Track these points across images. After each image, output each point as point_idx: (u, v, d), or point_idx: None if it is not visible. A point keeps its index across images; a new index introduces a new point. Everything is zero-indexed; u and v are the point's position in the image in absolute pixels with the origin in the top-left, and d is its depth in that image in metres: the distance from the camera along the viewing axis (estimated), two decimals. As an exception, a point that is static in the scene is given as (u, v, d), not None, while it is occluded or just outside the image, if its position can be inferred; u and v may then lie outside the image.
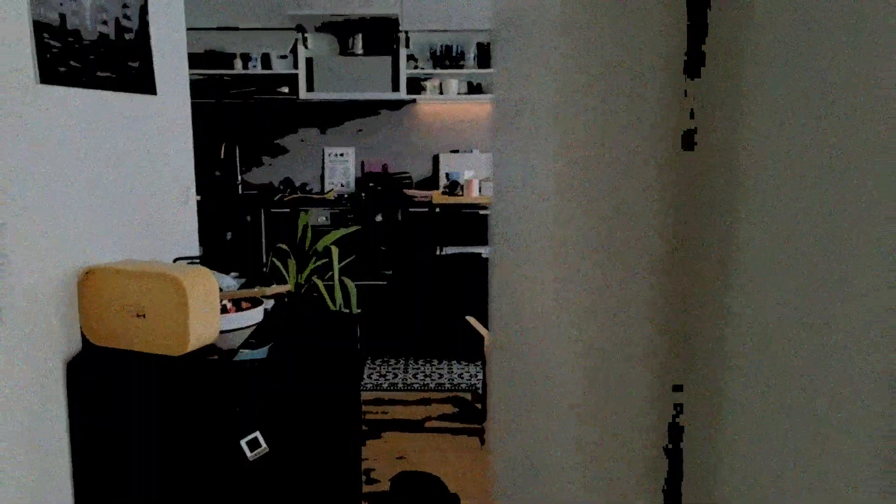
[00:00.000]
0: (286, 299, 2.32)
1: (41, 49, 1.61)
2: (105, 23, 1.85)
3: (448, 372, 4.21)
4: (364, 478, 2.85)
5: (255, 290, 2.11)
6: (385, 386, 3.99)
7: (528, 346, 0.67)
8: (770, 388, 0.45)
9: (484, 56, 4.75)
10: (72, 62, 1.72)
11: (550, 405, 0.62)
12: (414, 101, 4.85)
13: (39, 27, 1.60)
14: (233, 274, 2.43)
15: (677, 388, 0.51)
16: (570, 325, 0.57)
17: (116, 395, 1.78)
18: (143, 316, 1.73)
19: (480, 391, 3.78)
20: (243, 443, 1.74)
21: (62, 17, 1.68)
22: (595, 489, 0.57)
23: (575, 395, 0.58)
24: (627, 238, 0.52)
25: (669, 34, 0.48)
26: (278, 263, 3.61)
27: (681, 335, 0.50)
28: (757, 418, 0.46)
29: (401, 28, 4.61)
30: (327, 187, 4.95)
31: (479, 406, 3.72)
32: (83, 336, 1.81)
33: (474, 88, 4.83)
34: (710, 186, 0.48)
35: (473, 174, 4.78)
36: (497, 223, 0.73)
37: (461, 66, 4.74)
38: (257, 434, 1.77)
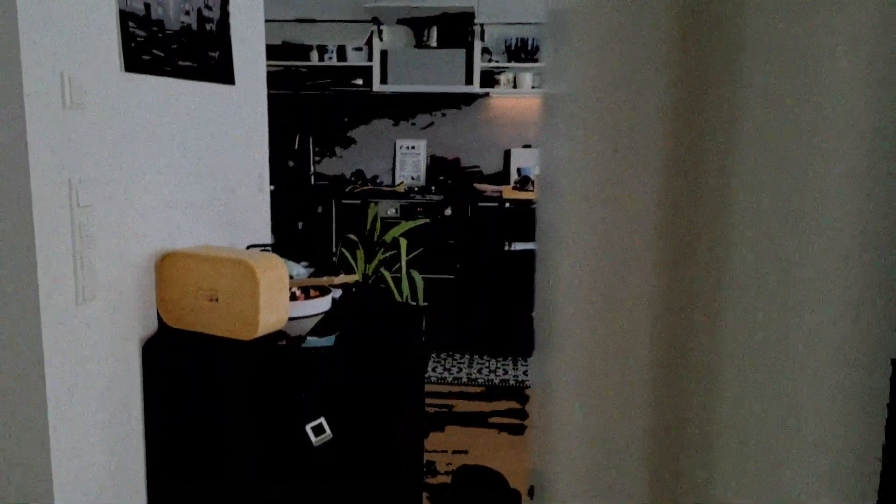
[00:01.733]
0: (354, 289, 2.34)
1: (126, 38, 1.67)
2: (188, 13, 1.90)
3: (513, 368, 4.18)
4: (425, 470, 2.85)
5: (324, 279, 2.13)
6: (449, 380, 3.99)
7: (551, 345, 0.67)
8: (756, 390, 0.46)
9: (559, 50, 4.68)
10: (155, 51, 1.77)
11: (554, 406, 0.62)
12: (487, 94, 4.82)
13: (125, 16, 1.66)
14: (303, 263, 2.46)
15: (673, 386, 0.50)
16: (579, 319, 0.58)
17: (188, 376, 1.83)
18: (216, 300, 1.77)
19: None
20: (308, 428, 1.76)
21: (147, 6, 1.73)
22: (589, 491, 0.58)
23: (578, 392, 0.58)
24: (630, 239, 0.53)
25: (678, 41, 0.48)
26: (347, 254, 3.65)
27: (678, 337, 0.50)
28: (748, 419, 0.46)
29: (476, 21, 4.58)
30: (398, 179, 4.98)
31: (543, 404, 3.67)
32: (159, 317, 1.87)
33: (548, 83, 4.77)
34: (714, 188, 0.47)
35: (544, 169, 4.71)
36: (540, 219, 0.73)
37: (536, 60, 4.68)
38: (322, 420, 1.79)
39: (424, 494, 2.64)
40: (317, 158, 5.03)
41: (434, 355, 4.38)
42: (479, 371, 4.13)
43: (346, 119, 5.03)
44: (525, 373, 4.09)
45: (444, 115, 4.97)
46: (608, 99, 0.54)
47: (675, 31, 0.49)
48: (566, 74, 0.62)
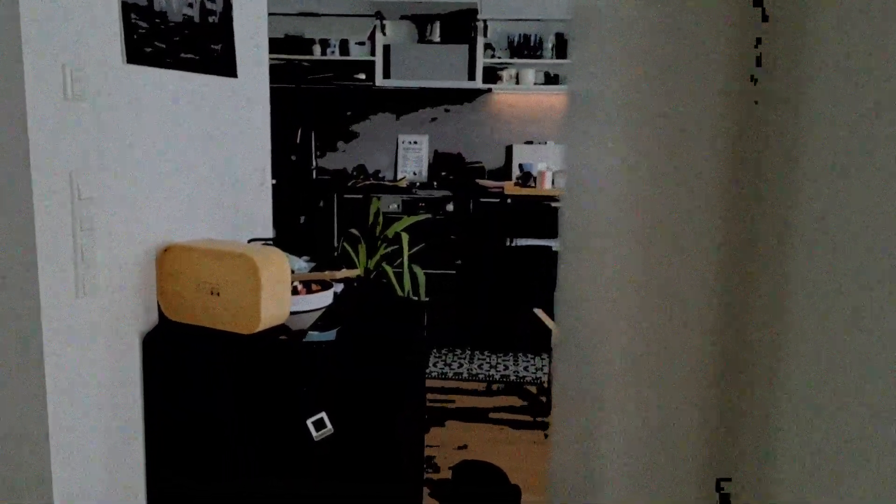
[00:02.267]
0: (355, 284, 2.34)
1: (128, 29, 1.66)
2: (190, 5, 1.89)
3: (514, 364, 4.18)
4: (426, 465, 2.85)
5: (326, 273, 2.13)
6: (450, 375, 3.99)
7: (587, 340, 0.65)
8: (825, 388, 0.43)
9: (562, 46, 4.66)
10: (157, 43, 1.76)
11: (603, 403, 0.61)
12: (490, 90, 4.81)
13: (127, 8, 1.65)
14: (304, 257, 2.46)
15: (730, 389, 0.49)
16: (625, 320, 0.56)
17: (189, 370, 1.83)
18: (218, 294, 1.77)
19: (546, 384, 3.73)
20: (309, 423, 1.76)
21: (150, -2, 1.72)
22: (643, 493, 0.56)
23: (626, 394, 0.57)
24: (686, 238, 0.51)
25: (734, 35, 0.46)
26: (349, 248, 3.65)
27: (737, 339, 0.48)
28: (810, 420, 0.44)
29: (479, 16, 4.57)
30: (400, 175, 4.97)
31: (543, 399, 3.67)
32: (160, 311, 1.87)
33: (551, 79, 4.75)
34: (771, 185, 0.46)
35: (547, 166, 4.71)
36: (566, 216, 0.72)
37: (539, 57, 4.67)
38: (323, 415, 1.78)
39: (425, 490, 2.64)
40: (318, 153, 5.02)
41: (435, 350, 4.38)
42: (480, 367, 4.12)
43: (348, 113, 5.03)
44: (526, 368, 4.09)
45: (446, 110, 4.96)
46: (665, 91, 0.52)
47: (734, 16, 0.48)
48: (608, 68, 0.60)
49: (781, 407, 0.47)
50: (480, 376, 3.98)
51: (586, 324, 0.68)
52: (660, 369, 0.54)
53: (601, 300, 0.62)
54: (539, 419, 3.44)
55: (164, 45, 1.79)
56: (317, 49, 4.75)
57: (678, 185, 0.52)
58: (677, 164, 0.52)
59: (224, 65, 2.10)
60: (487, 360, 4.24)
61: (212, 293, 1.77)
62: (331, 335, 1.88)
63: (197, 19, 1.93)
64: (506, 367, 4.12)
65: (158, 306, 1.86)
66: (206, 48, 1.99)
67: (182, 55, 1.87)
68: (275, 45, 4.52)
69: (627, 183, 0.56)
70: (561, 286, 0.73)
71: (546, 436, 3.25)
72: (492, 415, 3.48)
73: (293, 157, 4.83)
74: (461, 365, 4.14)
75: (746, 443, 0.49)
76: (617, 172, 0.58)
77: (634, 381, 0.56)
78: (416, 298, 2.91)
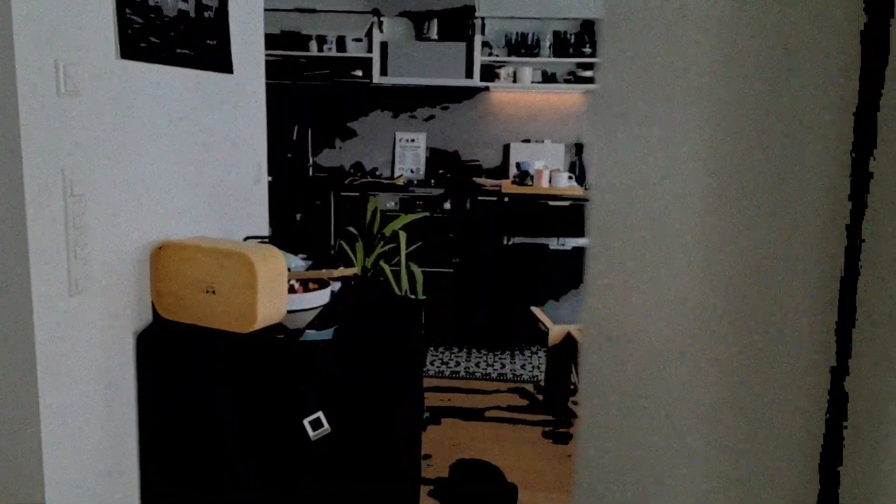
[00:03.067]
0: (353, 282, 2.32)
1: (123, 24, 1.64)
2: (185, 0, 1.87)
3: (510, 362, 4.16)
4: (423, 463, 2.84)
5: (323, 271, 2.11)
6: (447, 373, 3.98)
7: (640, 344, 0.62)
8: None
9: (560, 45, 4.64)
10: (152, 38, 1.74)
11: (670, 413, 0.58)
12: (487, 88, 4.79)
13: (122, 2, 1.63)
14: (301, 255, 2.44)
15: (840, 407, 0.46)
16: (710, 328, 0.54)
17: (184, 368, 1.81)
18: (213, 292, 1.75)
19: (543, 383, 3.72)
20: (306, 422, 1.74)
21: (144, -7, 1.70)
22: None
23: (706, 406, 0.54)
24: (794, 242, 0.48)
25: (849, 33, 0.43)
26: (346, 246, 3.63)
27: (839, 346, 0.46)
28: None
29: (477, 14, 4.55)
30: (397, 172, 4.95)
31: (540, 397, 3.66)
32: (154, 309, 1.85)
33: (549, 77, 4.74)
34: (884, 190, 0.43)
35: (544, 164, 4.69)
36: (599, 213, 0.69)
37: (536, 55, 4.65)
38: (320, 414, 1.77)
39: (422, 489, 2.63)
40: (315, 150, 5.00)
41: (432, 349, 4.36)
42: (478, 365, 4.11)
43: (345, 111, 5.00)
44: (523, 366, 4.08)
45: (444, 108, 4.95)
46: (771, 91, 0.49)
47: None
48: (675, 63, 0.58)
49: (889, 413, 0.44)
50: (478, 374, 3.97)
51: (635, 330, 0.64)
52: (760, 375, 0.51)
53: (677, 302, 0.60)
54: (536, 417, 3.43)
55: (158, 41, 1.77)
56: (313, 45, 4.72)
57: (782, 186, 0.49)
58: (784, 165, 0.49)
59: (219, 60, 2.08)
60: (484, 358, 4.22)
61: (207, 291, 1.75)
62: (328, 334, 1.86)
63: (192, 14, 1.91)
64: (503, 366, 4.10)
65: (153, 305, 1.85)
66: (202, 44, 1.97)
67: (177, 51, 1.85)
68: (271, 41, 4.50)
69: (714, 183, 0.54)
70: (590, 287, 0.70)
71: (543, 434, 3.24)
72: (489, 413, 3.46)
73: (289, 155, 4.81)
74: (458, 363, 4.13)
75: (850, 448, 0.47)
76: (692, 176, 0.56)
77: (732, 386, 0.54)
78: (413, 297, 2.89)
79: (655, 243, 0.60)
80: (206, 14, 1.98)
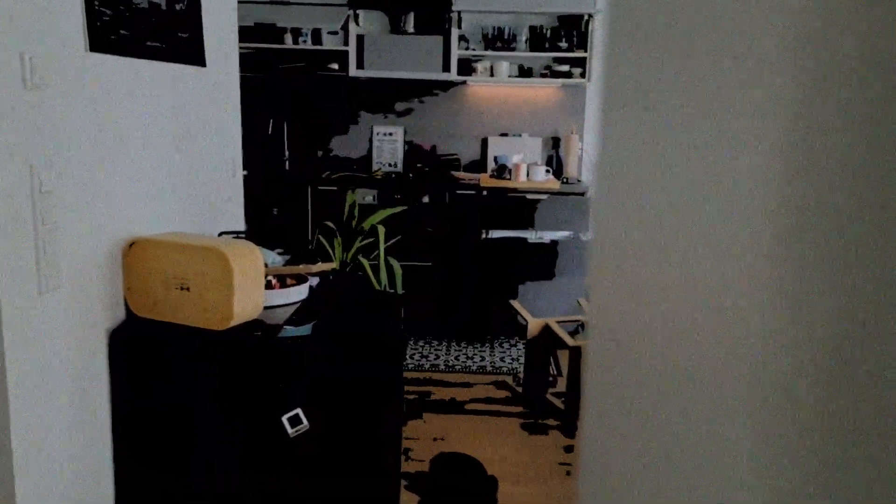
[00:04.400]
0: (331, 277, 2.30)
1: (91, 16, 1.60)
2: (156, -8, 1.84)
3: (490, 355, 4.17)
4: (403, 457, 2.83)
5: (301, 267, 2.09)
6: (427, 367, 3.97)
7: (669, 347, 0.61)
8: None
9: (536, 39, 4.64)
10: (122, 31, 1.71)
11: (675, 418, 0.57)
12: (464, 82, 4.77)
13: (90, -6, 1.59)
14: (278, 250, 2.41)
15: (850, 396, 0.44)
16: (718, 330, 0.52)
17: (158, 367, 1.78)
18: (188, 289, 1.72)
19: (521, 375, 3.73)
20: (285, 419, 1.73)
21: (113, -16, 1.67)
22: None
23: (714, 411, 0.52)
24: (804, 240, 0.47)
25: None
26: (324, 241, 3.60)
27: (865, 351, 0.44)
28: None
29: (453, 8, 4.53)
30: (375, 166, 4.92)
31: (520, 389, 3.67)
32: (126, 307, 1.82)
33: (525, 72, 4.73)
34: None
35: (522, 158, 4.69)
36: (604, 208, 0.67)
37: (513, 49, 4.65)
38: (299, 411, 1.75)
39: (402, 483, 2.62)
40: (291, 144, 4.95)
41: (412, 342, 4.36)
42: (457, 358, 4.11)
43: (321, 104, 4.96)
44: (502, 359, 4.08)
45: (421, 101, 4.92)
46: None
47: None
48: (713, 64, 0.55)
49: None
50: (457, 367, 3.97)
51: (663, 332, 0.62)
52: (781, 374, 0.50)
53: (684, 305, 0.58)
54: (516, 409, 3.43)
55: (128, 33, 1.73)
56: (288, 38, 4.67)
57: (794, 183, 0.48)
58: (800, 162, 0.47)
59: (192, 53, 2.05)
60: (464, 351, 4.22)
61: (181, 288, 1.73)
62: (306, 330, 1.84)
63: (164, 6, 1.87)
64: (482, 358, 4.11)
65: (125, 302, 1.81)
66: (174, 36, 1.94)
67: (148, 43, 1.82)
68: (245, 33, 4.44)
69: (725, 181, 0.52)
70: (596, 284, 0.68)
71: (522, 425, 3.25)
72: (469, 406, 3.47)
73: (265, 149, 4.76)
74: (438, 356, 4.12)
75: (860, 452, 0.46)
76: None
77: (740, 389, 0.52)
78: (392, 291, 2.88)
79: (660, 243, 0.59)
80: (177, 6, 1.94)
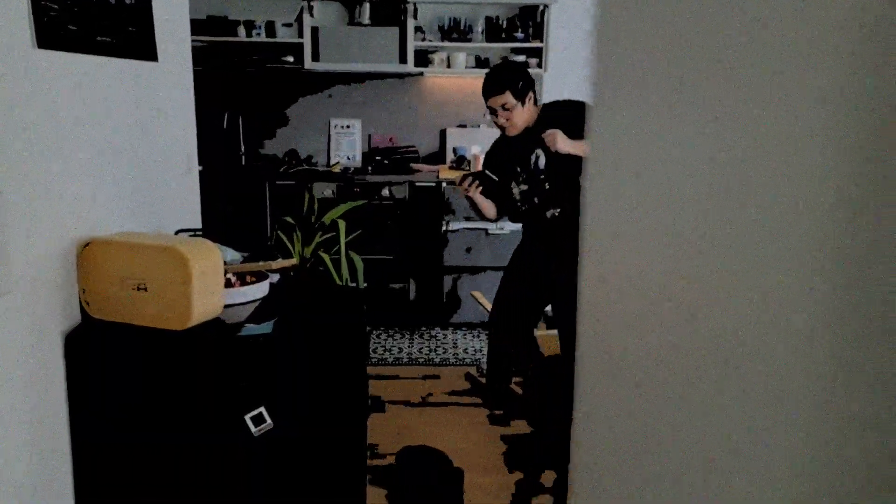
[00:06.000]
0: (292, 273, 2.28)
1: (38, 12, 1.55)
2: (104, -15, 1.79)
3: (452, 346, 4.19)
4: (369, 453, 2.83)
5: (260, 263, 2.07)
6: (390, 360, 3.97)
7: (638, 344, 0.60)
8: None
9: (492, 31, 4.65)
10: (70, 26, 1.66)
11: (668, 414, 0.57)
12: (421, 73, 4.76)
13: (35, -12, 1.54)
14: (237, 247, 2.38)
15: (843, 396, 0.45)
16: (708, 326, 0.52)
17: (117, 369, 1.75)
18: (145, 289, 1.69)
19: (485, 365, 3.75)
20: (248, 418, 1.71)
21: (59, -22, 1.62)
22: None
23: (708, 409, 0.53)
24: (797, 238, 0.47)
25: None
26: (283, 237, 3.56)
27: (855, 347, 0.45)
28: None
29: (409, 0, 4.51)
30: (333, 160, 4.88)
31: (482, 380, 3.69)
32: (82, 309, 1.78)
33: (482, 62, 4.74)
34: None
35: (481, 149, 4.71)
36: (601, 202, 0.66)
37: (469, 40, 4.65)
38: (262, 409, 1.74)
39: (368, 478, 2.62)
40: (247, 138, 4.88)
41: (375, 336, 4.35)
42: (420, 350, 4.12)
43: (277, 98, 4.90)
44: (465, 350, 4.10)
45: (378, 94, 4.90)
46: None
47: None
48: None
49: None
50: (420, 360, 3.98)
51: (669, 333, 0.62)
52: (768, 373, 0.50)
53: (674, 302, 0.58)
54: (479, 400, 3.45)
55: (77, 28, 1.69)
56: (242, 31, 4.60)
57: (788, 181, 0.48)
58: (790, 160, 0.47)
59: (142, 48, 2.00)
60: (427, 343, 4.23)
61: (138, 289, 1.69)
62: (267, 328, 1.83)
63: (112, 0, 1.83)
64: (444, 350, 4.12)
65: (81, 304, 1.77)
66: (123, 31, 1.89)
67: (97, 38, 1.77)
68: (197, 26, 4.35)
69: (715, 177, 0.52)
70: (588, 283, 0.67)
71: (487, 416, 3.27)
72: (433, 398, 3.48)
73: (220, 144, 4.69)
74: (401, 350, 4.13)
75: (862, 455, 0.46)
76: (699, 165, 0.53)
77: (733, 386, 0.52)
78: (354, 285, 2.87)
79: (653, 239, 0.59)
80: (127, 0, 1.90)
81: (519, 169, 2.98)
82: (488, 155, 3.18)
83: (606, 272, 0.68)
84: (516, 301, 3.11)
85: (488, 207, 3.03)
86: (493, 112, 2.89)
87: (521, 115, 2.86)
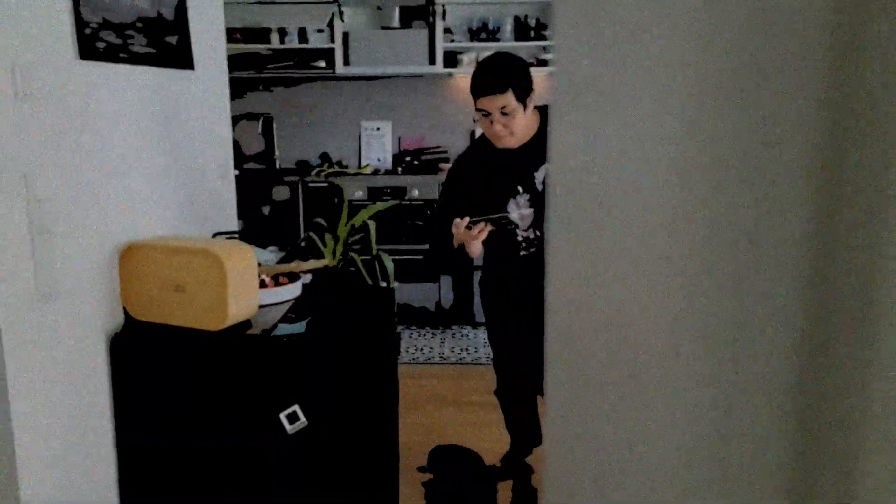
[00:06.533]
0: (324, 274, 2.33)
1: (80, 25, 1.62)
2: (142, -2, 1.85)
3: (484, 345, 4.20)
4: (401, 451, 2.86)
5: (293, 264, 2.11)
6: (421, 359, 4.00)
7: (623, 342, 0.62)
8: None
9: (521, 30, 4.66)
10: (110, 38, 1.73)
11: (642, 410, 0.58)
12: (450, 74, 4.79)
13: (78, 3, 1.61)
14: (270, 248, 2.44)
15: (811, 393, 0.46)
16: (689, 327, 0.53)
17: (157, 369, 1.81)
18: (183, 290, 1.75)
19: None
20: (282, 416, 1.76)
21: (100, -8, 1.68)
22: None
23: (683, 405, 0.54)
24: (767, 237, 0.48)
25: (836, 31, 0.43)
26: (316, 238, 3.62)
27: (823, 346, 0.46)
28: None
29: (437, 1, 4.54)
30: (364, 162, 4.94)
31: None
32: (125, 311, 1.84)
33: (512, 61, 4.75)
34: (862, 187, 0.44)
35: (510, 148, 4.71)
36: (562, 207, 0.67)
37: (497, 40, 4.67)
38: (296, 408, 1.78)
39: (400, 477, 2.66)
40: (280, 142, 4.96)
41: (406, 336, 4.39)
42: (452, 349, 4.14)
43: (309, 102, 4.97)
44: (497, 351, 4.12)
45: (408, 95, 4.94)
46: (748, 84, 0.47)
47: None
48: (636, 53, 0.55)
49: (869, 412, 0.44)
50: (452, 359, 4.00)
51: (618, 327, 0.63)
52: (734, 370, 0.51)
53: (646, 310, 0.58)
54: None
55: (117, 41, 1.75)
56: (275, 38, 4.68)
57: (757, 177, 0.48)
58: (761, 158, 0.48)
59: (180, 57, 2.07)
60: (459, 342, 4.26)
61: (176, 290, 1.75)
62: (301, 327, 1.87)
63: (151, 12, 1.89)
64: (476, 350, 4.14)
65: (123, 306, 1.84)
66: (161, 41, 1.96)
67: (136, 49, 1.84)
68: (232, 34, 4.44)
69: (683, 173, 0.53)
70: (554, 282, 0.68)
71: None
72: (465, 397, 3.50)
73: (255, 148, 4.78)
74: (432, 349, 4.16)
75: (828, 450, 0.47)
76: (660, 171, 0.54)
77: (706, 381, 0.53)
78: (385, 285, 2.91)
79: (619, 235, 0.60)
80: (164, 11, 1.96)
81: (521, 189, 2.26)
82: (452, 178, 2.43)
83: (574, 281, 0.69)
84: (524, 350, 2.37)
85: (476, 250, 2.28)
86: (487, 115, 2.17)
87: (523, 122, 2.19)
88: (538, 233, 2.30)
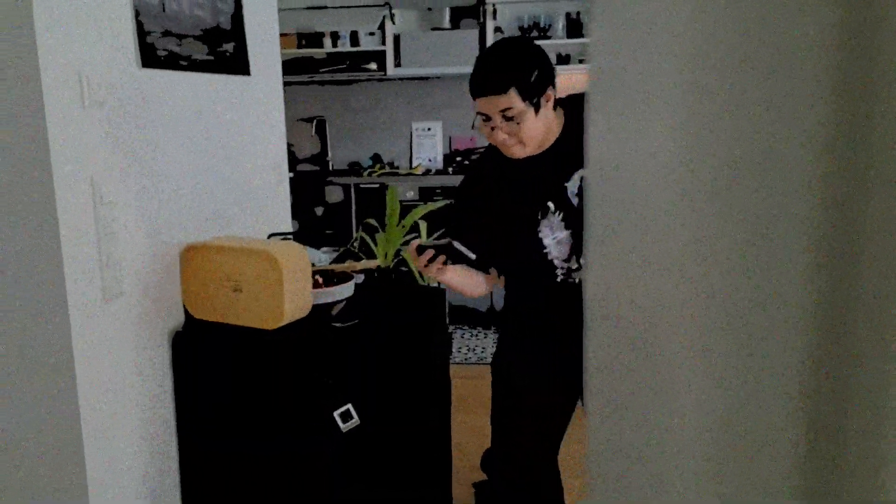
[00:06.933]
0: (376, 274, 2.35)
1: (141, 34, 1.68)
2: (201, 7, 1.91)
3: (536, 347, 4.18)
4: (454, 453, 2.87)
5: (346, 264, 2.15)
6: (473, 360, 4.01)
7: (646, 336, 0.62)
8: None
9: (573, 27, 4.62)
10: (170, 47, 1.78)
11: (671, 398, 0.58)
12: (501, 73, 4.78)
13: (139, 12, 1.67)
14: (324, 249, 2.48)
15: (828, 395, 0.46)
16: (698, 325, 0.54)
17: (217, 367, 1.86)
18: (240, 290, 1.79)
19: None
20: (336, 415, 1.79)
21: (161, 2, 1.74)
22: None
23: (714, 403, 0.54)
24: (775, 232, 0.48)
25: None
26: (367, 238, 3.66)
27: (839, 346, 0.46)
28: None
29: (487, 0, 4.54)
30: (415, 162, 4.97)
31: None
32: (185, 310, 1.90)
33: (563, 59, 4.72)
34: (874, 181, 0.43)
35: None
36: (597, 209, 0.67)
37: (549, 38, 4.64)
38: (349, 406, 1.81)
39: (454, 478, 2.67)
40: (334, 144, 5.03)
41: (457, 336, 4.40)
42: (503, 351, 4.14)
43: (361, 104, 5.03)
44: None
45: (458, 95, 4.95)
46: (758, 74, 0.47)
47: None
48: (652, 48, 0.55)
49: (892, 414, 0.44)
50: (504, 360, 3.99)
51: (642, 324, 0.63)
52: (747, 370, 0.51)
53: (663, 308, 0.59)
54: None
55: (177, 48, 1.81)
56: (328, 42, 4.75)
57: (772, 176, 0.49)
58: (753, 165, 0.49)
59: (237, 64, 2.12)
60: (510, 344, 4.25)
61: (234, 290, 1.80)
62: (353, 327, 1.90)
63: (209, 20, 1.95)
64: (529, 351, 4.13)
65: (184, 305, 1.90)
66: (219, 48, 2.01)
67: (195, 57, 1.89)
68: (286, 39, 4.53)
69: (699, 173, 0.53)
70: (594, 281, 0.68)
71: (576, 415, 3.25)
72: (516, 398, 3.48)
73: (309, 150, 4.86)
74: (484, 349, 4.16)
75: (847, 453, 0.47)
76: (670, 166, 0.55)
77: (716, 382, 0.53)
78: (435, 285, 2.92)
79: (648, 236, 0.60)
80: (221, 19, 2.01)
81: (552, 206, 1.77)
82: (464, 193, 1.95)
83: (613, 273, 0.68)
84: (536, 419, 1.99)
85: (471, 286, 1.92)
86: (487, 120, 1.72)
87: (535, 127, 1.71)
88: (580, 262, 1.76)
